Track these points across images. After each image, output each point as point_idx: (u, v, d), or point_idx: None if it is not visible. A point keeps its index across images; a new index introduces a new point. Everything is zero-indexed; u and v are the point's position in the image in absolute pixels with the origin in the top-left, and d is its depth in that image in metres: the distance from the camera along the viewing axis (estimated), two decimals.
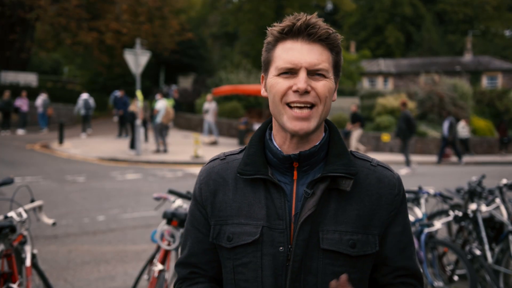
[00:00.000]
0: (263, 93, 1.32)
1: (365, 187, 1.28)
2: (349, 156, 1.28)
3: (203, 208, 1.33)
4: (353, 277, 1.23)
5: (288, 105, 1.22)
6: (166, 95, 21.19)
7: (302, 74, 1.20)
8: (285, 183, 1.27)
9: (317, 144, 1.28)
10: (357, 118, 15.77)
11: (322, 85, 1.21)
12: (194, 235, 1.35)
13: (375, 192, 1.28)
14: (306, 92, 1.20)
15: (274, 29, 1.25)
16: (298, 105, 1.21)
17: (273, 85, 1.24)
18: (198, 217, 1.34)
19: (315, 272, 1.22)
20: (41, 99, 19.73)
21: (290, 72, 1.22)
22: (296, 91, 1.20)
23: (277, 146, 1.29)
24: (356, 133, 15.63)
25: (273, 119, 1.31)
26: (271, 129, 1.34)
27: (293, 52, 1.21)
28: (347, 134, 15.84)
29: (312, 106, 1.21)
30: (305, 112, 1.21)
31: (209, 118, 18.27)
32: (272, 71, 1.25)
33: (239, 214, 1.27)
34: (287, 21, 1.23)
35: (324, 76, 1.22)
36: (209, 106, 18.28)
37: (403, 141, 13.57)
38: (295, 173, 1.27)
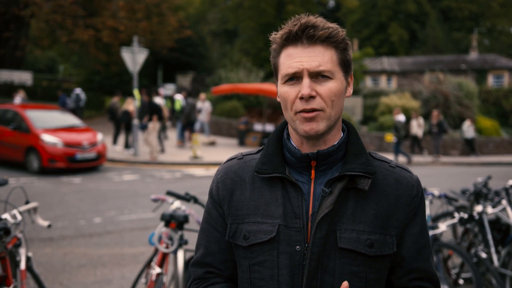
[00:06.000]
0: (278, 98, 1.33)
1: (383, 187, 1.28)
2: (367, 156, 1.29)
3: (220, 207, 1.34)
4: (370, 277, 1.24)
5: (298, 112, 1.24)
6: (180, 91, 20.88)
7: (306, 80, 1.21)
8: (303, 182, 1.28)
9: (335, 144, 1.29)
10: (154, 109, 14.24)
11: (327, 89, 1.21)
12: (210, 234, 1.36)
13: (393, 193, 1.28)
14: (311, 97, 1.21)
15: (276, 36, 1.26)
16: (306, 111, 1.23)
17: (282, 94, 1.26)
18: (215, 215, 1.35)
19: (332, 271, 1.23)
20: (18, 98, 19.41)
21: (295, 78, 1.23)
22: (302, 98, 1.21)
23: (295, 146, 1.30)
24: (154, 126, 13.71)
25: None
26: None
27: (294, 58, 1.22)
28: (144, 128, 14.32)
29: (319, 110, 1.23)
30: (313, 113, 1.22)
31: (203, 118, 18.10)
32: (279, 79, 1.27)
33: (256, 213, 1.28)
34: (285, 27, 1.25)
35: (329, 77, 1.22)
36: (202, 105, 18.12)
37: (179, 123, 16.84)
38: (313, 172, 1.28)
